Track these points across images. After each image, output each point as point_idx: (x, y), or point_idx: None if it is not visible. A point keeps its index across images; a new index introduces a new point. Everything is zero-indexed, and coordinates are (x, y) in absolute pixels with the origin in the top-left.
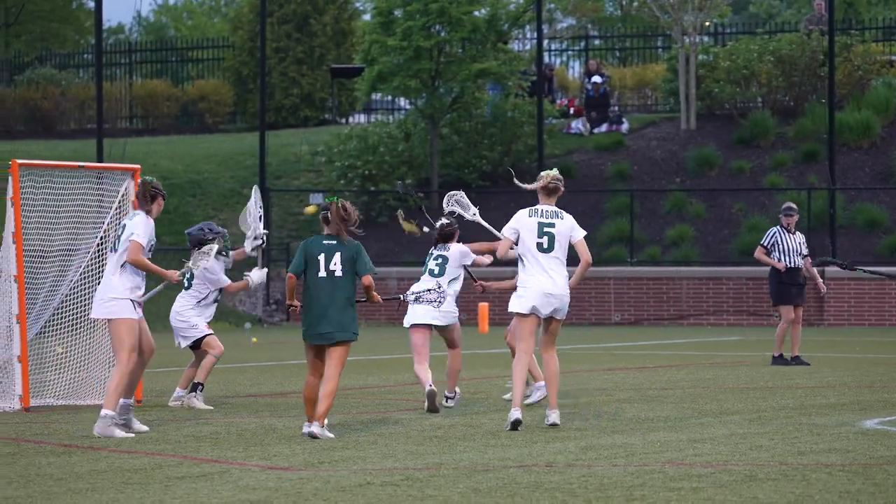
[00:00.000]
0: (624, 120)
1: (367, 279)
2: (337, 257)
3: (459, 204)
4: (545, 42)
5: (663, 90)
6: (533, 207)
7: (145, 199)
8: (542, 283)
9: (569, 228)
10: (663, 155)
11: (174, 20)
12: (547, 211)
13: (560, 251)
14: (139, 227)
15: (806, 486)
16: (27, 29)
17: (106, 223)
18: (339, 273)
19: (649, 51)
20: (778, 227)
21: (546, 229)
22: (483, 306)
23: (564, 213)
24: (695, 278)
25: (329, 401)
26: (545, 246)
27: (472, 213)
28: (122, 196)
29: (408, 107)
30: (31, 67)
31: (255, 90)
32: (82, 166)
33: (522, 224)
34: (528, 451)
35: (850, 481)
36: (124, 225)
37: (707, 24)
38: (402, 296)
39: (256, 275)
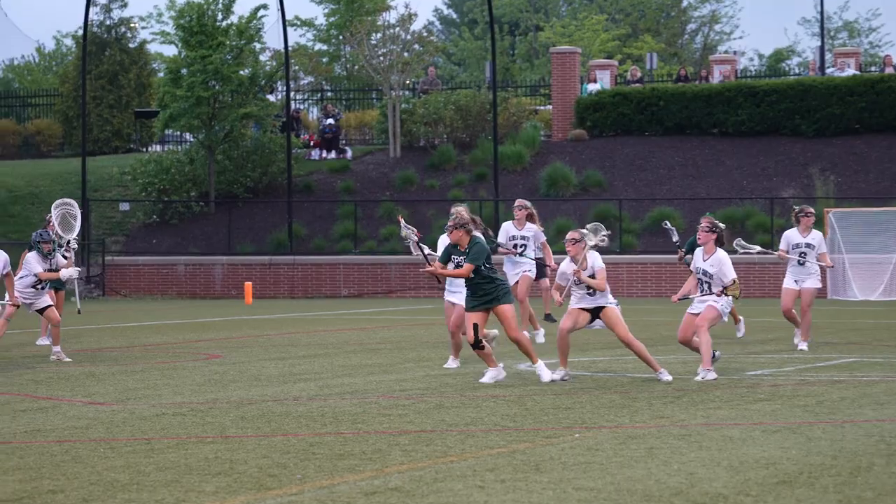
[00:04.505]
0: (348, 150)
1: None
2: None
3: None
4: (292, 93)
5: (377, 129)
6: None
7: None
8: None
9: None
10: (378, 175)
11: (18, 75)
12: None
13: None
14: None
15: (479, 411)
16: None
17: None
18: None
19: (367, 100)
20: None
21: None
22: (249, 284)
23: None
24: (401, 263)
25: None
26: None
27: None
28: None
29: (192, 139)
30: None
31: (79, 127)
32: None
33: None
34: (280, 389)
35: (509, 406)
36: None
37: (407, 82)
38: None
39: (66, 271)
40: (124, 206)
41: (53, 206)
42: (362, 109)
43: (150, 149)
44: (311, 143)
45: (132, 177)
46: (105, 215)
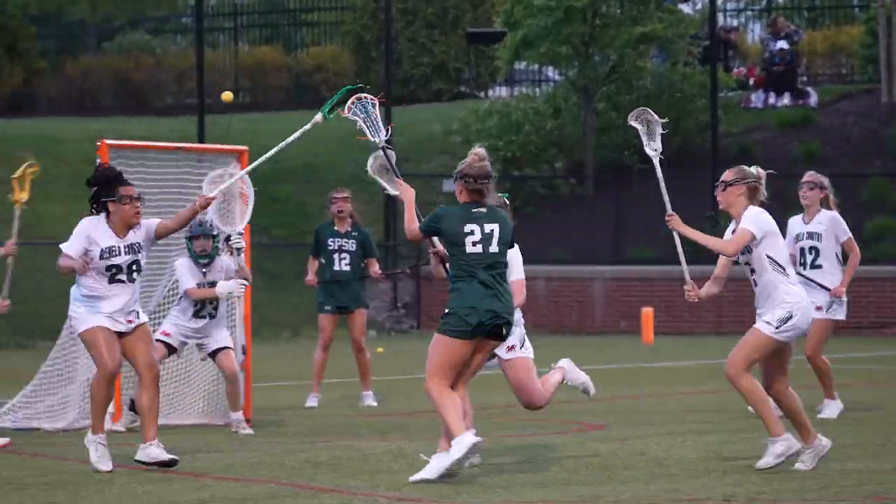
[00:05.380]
0: (811, 91)
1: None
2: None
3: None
4: (720, 0)
5: (860, 57)
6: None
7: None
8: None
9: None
10: (861, 133)
11: None
12: None
13: None
14: None
15: None
16: None
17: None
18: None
19: (843, 10)
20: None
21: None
22: (647, 312)
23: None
24: None
25: None
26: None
27: None
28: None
29: (557, 78)
30: (122, 33)
31: (380, 58)
32: (180, 147)
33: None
34: (701, 482)
35: None
36: None
37: None
38: None
39: (224, 285)
40: (449, 186)
41: (207, 179)
42: (836, 25)
43: (491, 93)
44: (752, 82)
45: (464, 137)
46: (420, 198)
